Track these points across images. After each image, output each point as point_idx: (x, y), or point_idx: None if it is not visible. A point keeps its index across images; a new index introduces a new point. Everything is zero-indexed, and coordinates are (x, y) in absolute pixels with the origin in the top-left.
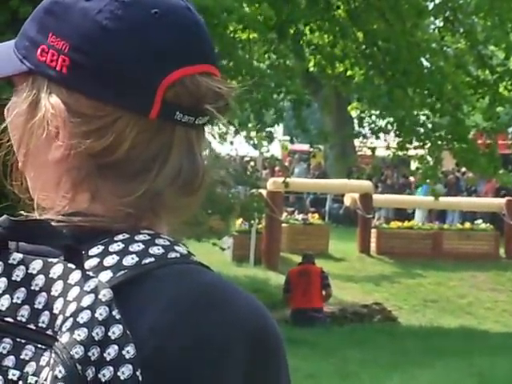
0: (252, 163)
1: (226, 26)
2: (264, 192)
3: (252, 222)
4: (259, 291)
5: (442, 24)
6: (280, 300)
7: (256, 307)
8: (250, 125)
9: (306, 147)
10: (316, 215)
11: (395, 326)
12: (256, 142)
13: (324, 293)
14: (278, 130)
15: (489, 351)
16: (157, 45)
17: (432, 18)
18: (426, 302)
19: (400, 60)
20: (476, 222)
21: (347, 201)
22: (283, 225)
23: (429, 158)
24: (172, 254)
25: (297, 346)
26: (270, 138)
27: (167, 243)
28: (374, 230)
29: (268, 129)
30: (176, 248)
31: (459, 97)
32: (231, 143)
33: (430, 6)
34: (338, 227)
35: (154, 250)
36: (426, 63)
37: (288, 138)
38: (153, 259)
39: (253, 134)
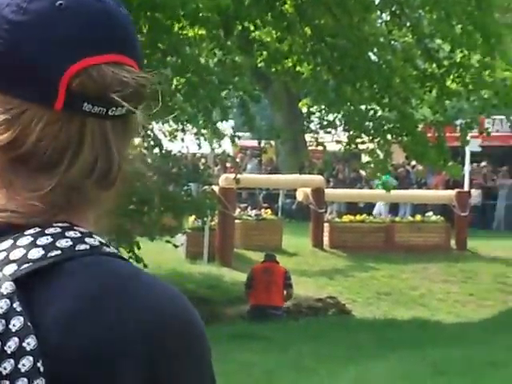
0: (203, 160)
1: (179, 20)
2: (216, 188)
3: (205, 218)
4: (214, 288)
5: (388, 18)
6: (235, 296)
7: (169, 297)
8: (200, 121)
9: (257, 143)
10: (269, 211)
11: (349, 319)
12: (206, 139)
13: (285, 292)
14: (229, 127)
15: (442, 342)
16: (59, 36)
17: (379, 13)
18: (379, 294)
19: (348, 55)
20: (427, 214)
21: (299, 196)
22: (236, 221)
23: (379, 152)
24: (81, 246)
25: (252, 341)
26: (218, 134)
27: (78, 235)
28: (326, 225)
29: (217, 125)
30: (86, 240)
31: (407, 90)
32: (182, 140)
33: (377, 0)
34: (290, 222)
35: (62, 243)
36: (373, 57)
37: (239, 134)
38: (59, 252)
39: (203, 131)
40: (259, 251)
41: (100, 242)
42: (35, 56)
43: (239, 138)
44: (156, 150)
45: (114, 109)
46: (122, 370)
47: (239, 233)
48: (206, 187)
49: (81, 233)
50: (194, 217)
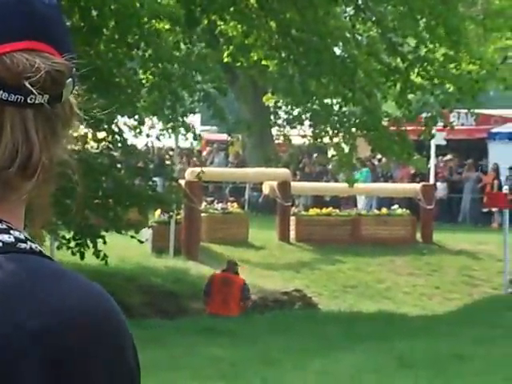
0: (170, 153)
1: (139, 18)
2: (182, 182)
3: (171, 213)
4: (180, 281)
5: (353, 12)
6: (201, 289)
7: (81, 294)
8: (166, 112)
9: (224, 137)
10: (235, 204)
11: (316, 312)
12: (173, 132)
13: (242, 304)
14: (196, 120)
15: (408, 334)
16: None
17: (343, 7)
18: (346, 287)
19: (313, 49)
20: (393, 207)
21: (266, 189)
22: (202, 214)
23: (344, 146)
24: None
25: (218, 336)
26: (186, 127)
27: None
28: (292, 218)
29: (184, 118)
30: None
31: (372, 84)
32: (147, 136)
33: None
34: (257, 215)
35: None
36: (338, 52)
37: (207, 128)
38: None
39: (169, 124)
40: (225, 245)
41: (16, 238)
42: None
43: (200, 135)
44: (120, 144)
45: (33, 97)
46: (23, 370)
47: (205, 226)
48: (172, 181)
49: None
50: (159, 211)
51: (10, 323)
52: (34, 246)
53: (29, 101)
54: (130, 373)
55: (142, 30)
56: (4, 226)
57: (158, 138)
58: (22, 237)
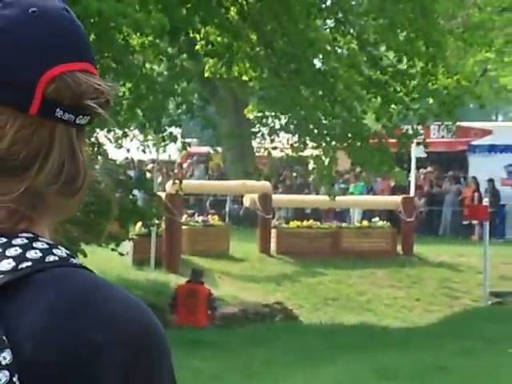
0: (150, 166)
1: (120, 30)
2: (163, 194)
3: (151, 226)
4: (161, 294)
5: (333, 25)
6: None
7: (136, 307)
8: (148, 128)
9: (204, 150)
10: (216, 217)
11: (297, 324)
12: (153, 146)
13: (210, 313)
14: (177, 133)
15: (389, 347)
16: (34, 41)
17: (324, 19)
18: (327, 299)
19: (293, 60)
20: (373, 219)
21: (246, 202)
22: (183, 227)
23: (324, 158)
24: (50, 258)
25: (199, 348)
26: (172, 138)
27: (45, 246)
28: (273, 230)
29: (167, 130)
30: (54, 251)
31: (352, 97)
32: (128, 151)
33: (322, 6)
34: (238, 228)
35: (32, 254)
36: (319, 64)
37: (188, 140)
38: (30, 263)
39: (150, 137)
40: (206, 257)
41: (66, 253)
42: (10, 61)
43: (189, 145)
44: (101, 158)
45: (81, 117)
46: (101, 374)
47: (186, 239)
48: (153, 194)
49: (48, 244)
50: (140, 223)
51: (79, 335)
52: (79, 261)
53: (77, 121)
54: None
55: (116, 44)
56: (53, 243)
57: (143, 151)
58: (70, 252)
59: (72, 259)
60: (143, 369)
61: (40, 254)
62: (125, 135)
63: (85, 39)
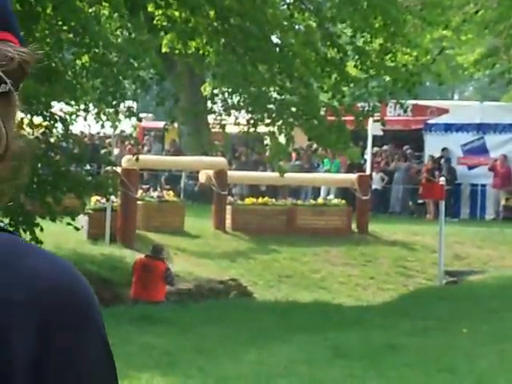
0: (107, 141)
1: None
2: (119, 169)
3: (108, 199)
4: (115, 269)
5: (291, 1)
6: None
7: (58, 267)
8: (105, 104)
9: (160, 124)
10: (171, 192)
11: (251, 301)
12: (109, 120)
13: (167, 288)
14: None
15: (343, 325)
16: None
17: None
18: (281, 277)
19: (251, 36)
20: (328, 197)
21: (202, 178)
22: (138, 202)
23: (278, 136)
24: None
25: (152, 324)
26: (130, 113)
27: None
28: (228, 207)
29: (127, 104)
30: None
31: (308, 74)
32: (85, 119)
33: None
34: (193, 204)
35: None
36: (276, 40)
37: (144, 115)
38: None
39: (107, 110)
40: (161, 233)
41: None
42: None
43: (140, 119)
44: (58, 130)
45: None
46: (13, 340)
47: (141, 214)
48: (108, 168)
49: None
50: (96, 198)
51: None
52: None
53: None
54: (108, 348)
55: (79, 15)
56: None
57: (102, 126)
58: None
59: None
60: (64, 335)
61: None
62: (77, 110)
63: (1, 7)
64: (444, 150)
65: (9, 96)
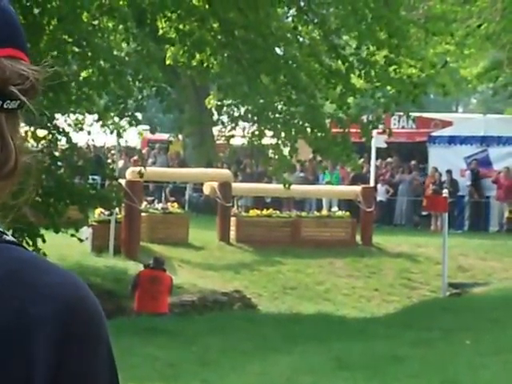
0: (112, 152)
1: (88, 10)
2: (123, 181)
3: (111, 211)
4: (119, 281)
5: (295, 13)
6: None
7: (71, 283)
8: (112, 113)
9: (165, 137)
10: (175, 204)
11: (255, 313)
12: (114, 131)
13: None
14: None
15: (346, 336)
16: None
17: (286, 8)
18: (285, 289)
19: (255, 48)
20: (333, 209)
21: (206, 190)
22: (143, 214)
23: (283, 148)
24: None
25: (156, 335)
26: (136, 121)
27: None
28: (233, 219)
29: (134, 114)
30: None
31: (313, 86)
32: (89, 133)
33: None
34: (197, 216)
35: None
36: (280, 52)
37: (147, 127)
38: None
39: (111, 121)
40: (165, 245)
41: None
42: None
43: (154, 131)
44: (62, 142)
45: (9, 102)
46: (32, 354)
47: (145, 226)
48: (113, 181)
49: None
50: (100, 210)
51: (11, 311)
52: (13, 238)
53: (5, 106)
54: (113, 360)
55: (81, 27)
56: None
57: (111, 132)
58: (1, 229)
59: (5, 236)
60: (77, 348)
61: None
62: (81, 121)
63: (13, 25)
64: (448, 172)
65: (17, 112)
